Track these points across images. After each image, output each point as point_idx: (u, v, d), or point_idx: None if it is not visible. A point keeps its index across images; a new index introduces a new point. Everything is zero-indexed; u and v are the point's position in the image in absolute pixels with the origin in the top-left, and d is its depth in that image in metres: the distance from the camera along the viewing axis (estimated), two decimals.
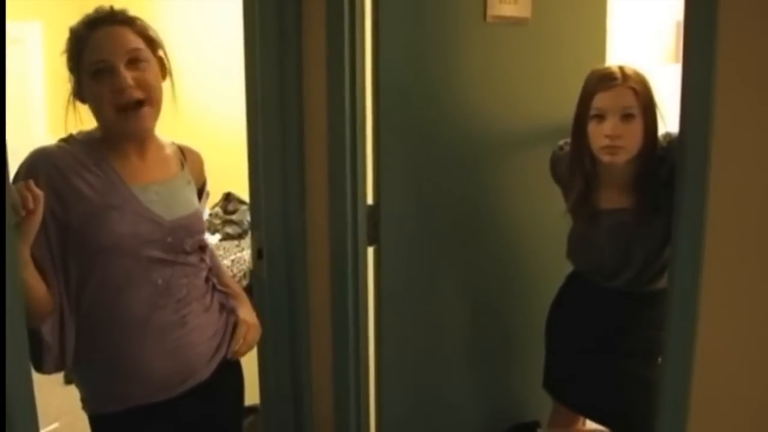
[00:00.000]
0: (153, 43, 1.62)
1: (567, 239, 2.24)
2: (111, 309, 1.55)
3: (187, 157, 1.79)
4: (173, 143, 1.78)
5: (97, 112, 1.56)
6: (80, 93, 1.58)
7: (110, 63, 1.51)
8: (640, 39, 3.98)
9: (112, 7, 1.58)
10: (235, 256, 3.97)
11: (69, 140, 1.60)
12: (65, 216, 1.50)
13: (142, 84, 1.54)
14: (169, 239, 1.60)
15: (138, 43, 1.56)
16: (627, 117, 1.91)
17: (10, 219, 1.22)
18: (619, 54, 2.97)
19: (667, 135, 1.97)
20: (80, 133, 1.62)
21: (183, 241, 1.64)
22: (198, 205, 1.74)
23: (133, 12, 1.61)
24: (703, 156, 1.45)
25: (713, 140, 1.43)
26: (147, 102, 1.55)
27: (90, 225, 1.50)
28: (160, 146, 1.72)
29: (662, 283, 2.04)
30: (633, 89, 1.91)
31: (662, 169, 1.94)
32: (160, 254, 1.59)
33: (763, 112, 1.39)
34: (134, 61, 1.54)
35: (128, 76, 1.52)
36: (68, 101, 1.61)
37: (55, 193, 1.48)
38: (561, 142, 2.17)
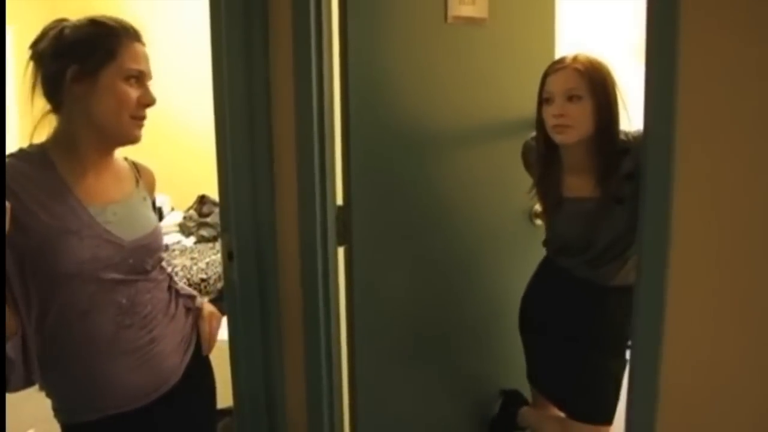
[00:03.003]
0: None
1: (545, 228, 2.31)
2: (76, 331, 1.53)
3: (141, 173, 1.77)
4: (125, 159, 1.77)
5: (103, 111, 1.55)
6: (81, 83, 1.53)
7: (145, 75, 1.61)
8: (615, 36, 4.01)
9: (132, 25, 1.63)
10: (209, 259, 3.96)
11: (19, 155, 1.54)
12: (22, 241, 1.44)
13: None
14: (131, 260, 1.59)
15: None
16: (573, 98, 2.00)
17: None
18: (595, 50, 3.01)
19: (639, 131, 2.02)
20: (31, 146, 1.57)
21: (144, 261, 1.63)
22: (157, 222, 1.74)
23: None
24: (666, 151, 1.46)
25: (677, 136, 1.45)
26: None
27: (48, 251, 1.46)
28: (116, 163, 1.70)
29: (620, 278, 2.09)
30: (578, 71, 2.00)
31: (626, 160, 2.00)
32: (121, 276, 1.57)
33: (725, 107, 1.41)
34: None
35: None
36: (32, 86, 1.57)
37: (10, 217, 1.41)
38: (534, 133, 2.23)
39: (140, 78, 1.59)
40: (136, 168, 1.77)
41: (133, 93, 1.57)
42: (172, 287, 1.74)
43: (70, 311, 1.51)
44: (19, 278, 1.47)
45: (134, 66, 1.57)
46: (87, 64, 1.52)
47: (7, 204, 1.34)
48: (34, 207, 1.46)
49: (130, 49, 1.57)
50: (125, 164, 1.75)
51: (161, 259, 1.73)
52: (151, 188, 1.81)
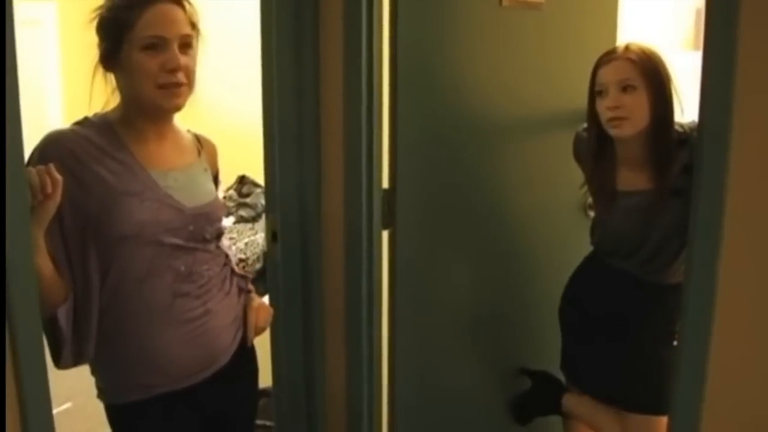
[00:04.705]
0: (196, 30, 1.59)
1: (591, 225, 2.24)
2: (134, 298, 1.53)
3: (203, 145, 1.77)
4: (189, 131, 1.76)
5: (132, 86, 1.52)
6: (112, 61, 1.52)
7: (166, 40, 1.49)
8: (658, 26, 3.94)
9: None
10: (248, 239, 3.98)
11: (84, 123, 1.56)
12: (84, 203, 1.46)
13: (186, 70, 1.52)
14: (191, 227, 1.58)
15: (189, 28, 1.55)
16: (627, 89, 1.95)
17: (27, 201, 1.21)
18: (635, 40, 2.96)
19: (694, 122, 1.97)
20: (95, 115, 1.58)
21: (204, 229, 1.62)
22: (216, 192, 1.73)
23: None
24: (722, 143, 1.43)
25: (733, 130, 1.41)
26: (186, 84, 1.54)
27: (108, 213, 1.47)
28: (178, 133, 1.70)
29: (678, 276, 2.04)
30: (631, 60, 1.95)
31: (683, 153, 1.94)
32: (181, 242, 1.56)
33: None
34: (184, 46, 1.53)
35: (180, 57, 1.50)
36: (95, 68, 1.55)
37: (73, 179, 1.44)
38: (585, 124, 2.18)
39: (162, 44, 1.49)
40: (198, 140, 1.77)
41: (152, 61, 1.48)
42: (227, 265, 1.73)
43: (128, 276, 1.52)
44: (79, 244, 1.48)
45: (149, 32, 1.47)
46: (110, 43, 1.51)
47: (60, 178, 1.35)
48: (96, 168, 1.48)
49: (147, 15, 1.47)
50: (188, 135, 1.74)
51: (221, 232, 1.71)
52: (213, 161, 1.79)
